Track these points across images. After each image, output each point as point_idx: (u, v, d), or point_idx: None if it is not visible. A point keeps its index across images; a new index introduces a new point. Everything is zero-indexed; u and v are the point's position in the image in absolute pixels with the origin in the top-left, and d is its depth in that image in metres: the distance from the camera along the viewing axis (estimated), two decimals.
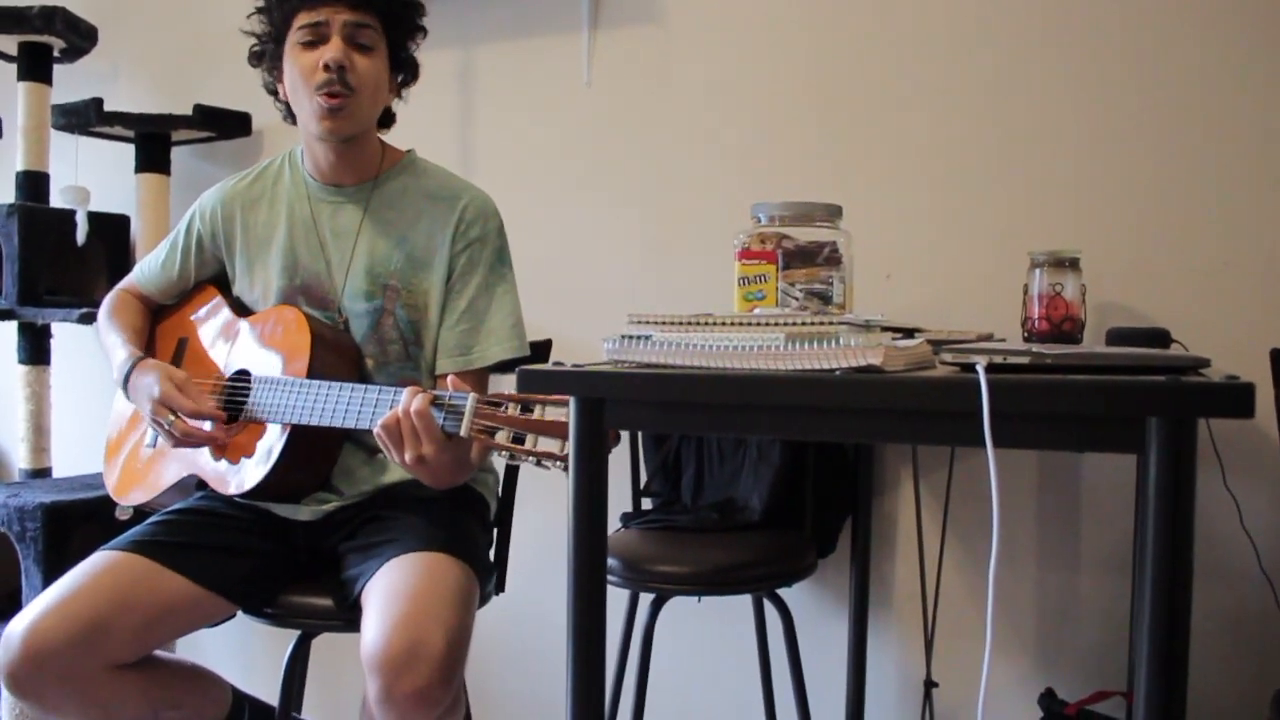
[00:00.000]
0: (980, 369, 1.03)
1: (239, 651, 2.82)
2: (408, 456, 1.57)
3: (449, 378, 1.62)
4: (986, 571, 2.21)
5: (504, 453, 1.52)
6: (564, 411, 1.43)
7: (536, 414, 1.50)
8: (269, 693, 1.98)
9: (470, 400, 1.55)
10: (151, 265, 2.02)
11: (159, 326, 2.05)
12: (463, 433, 1.54)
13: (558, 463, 1.48)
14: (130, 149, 2.92)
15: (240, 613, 1.77)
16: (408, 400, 1.57)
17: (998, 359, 1.13)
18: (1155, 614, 1.00)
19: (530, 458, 1.51)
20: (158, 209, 2.91)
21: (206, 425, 1.79)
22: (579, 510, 1.21)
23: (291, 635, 1.81)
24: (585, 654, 1.27)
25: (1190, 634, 1.05)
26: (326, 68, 1.73)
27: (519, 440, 1.52)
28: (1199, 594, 2.04)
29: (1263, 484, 1.86)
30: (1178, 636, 1.00)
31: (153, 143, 2.90)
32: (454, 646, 1.52)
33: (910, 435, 1.49)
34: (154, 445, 1.93)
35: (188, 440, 1.78)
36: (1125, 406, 1.01)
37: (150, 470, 1.93)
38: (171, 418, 1.76)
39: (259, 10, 1.85)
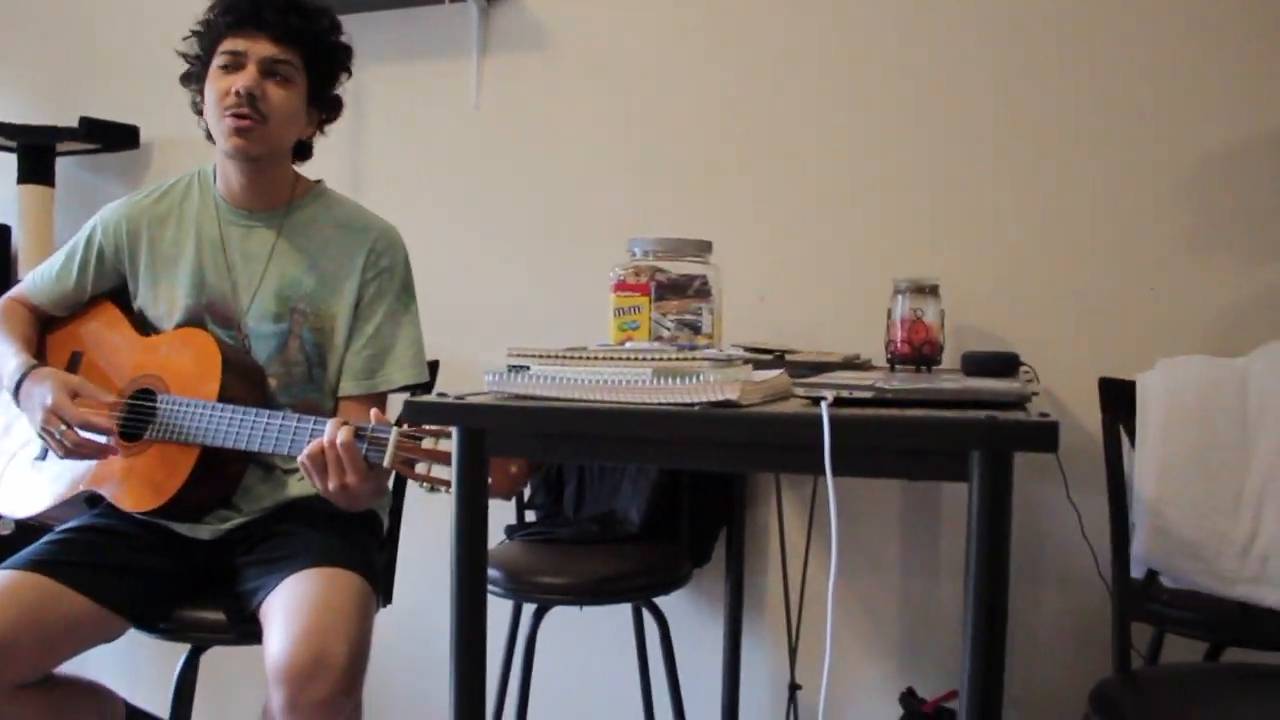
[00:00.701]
0: (824, 405, 1.14)
1: (124, 666, 2.83)
2: (331, 485, 1.65)
3: (373, 411, 1.70)
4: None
5: (419, 482, 1.63)
6: None
7: (444, 445, 1.60)
8: (156, 706, 2.01)
9: (394, 434, 1.63)
10: (45, 276, 2.02)
11: (49, 337, 2.05)
12: (385, 464, 1.63)
13: (447, 489, 1.57)
14: (12, 159, 2.89)
15: (132, 629, 1.80)
16: (333, 432, 1.64)
17: (844, 393, 1.24)
18: (976, 617, 1.12)
19: (427, 484, 1.62)
20: (40, 220, 2.89)
21: (100, 438, 1.81)
22: (460, 533, 1.29)
23: (180, 649, 1.85)
24: (467, 663, 1.34)
25: (1006, 636, 1.16)
26: (238, 94, 1.79)
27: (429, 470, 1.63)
28: (1043, 596, 2.23)
29: (1101, 496, 2.02)
30: (995, 637, 1.12)
31: (36, 153, 2.88)
32: (356, 657, 1.59)
33: (762, 465, 1.62)
34: (43, 458, 1.94)
35: (79, 451, 1.80)
36: (951, 441, 1.13)
37: (37, 483, 1.94)
38: (63, 427, 1.78)
39: (194, 33, 1.89)
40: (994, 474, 1.11)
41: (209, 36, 1.87)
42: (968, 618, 1.13)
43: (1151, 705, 1.46)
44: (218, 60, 1.84)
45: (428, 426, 1.61)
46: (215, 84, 1.83)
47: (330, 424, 1.67)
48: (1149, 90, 2.20)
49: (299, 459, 1.67)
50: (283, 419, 1.74)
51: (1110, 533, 1.65)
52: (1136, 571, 1.64)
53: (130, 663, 2.83)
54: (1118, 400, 1.66)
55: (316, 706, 1.54)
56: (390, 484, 2.05)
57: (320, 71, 1.90)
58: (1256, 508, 1.55)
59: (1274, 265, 2.13)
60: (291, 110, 1.86)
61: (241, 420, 1.76)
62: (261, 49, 1.82)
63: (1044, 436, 1.09)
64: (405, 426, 1.64)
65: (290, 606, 1.63)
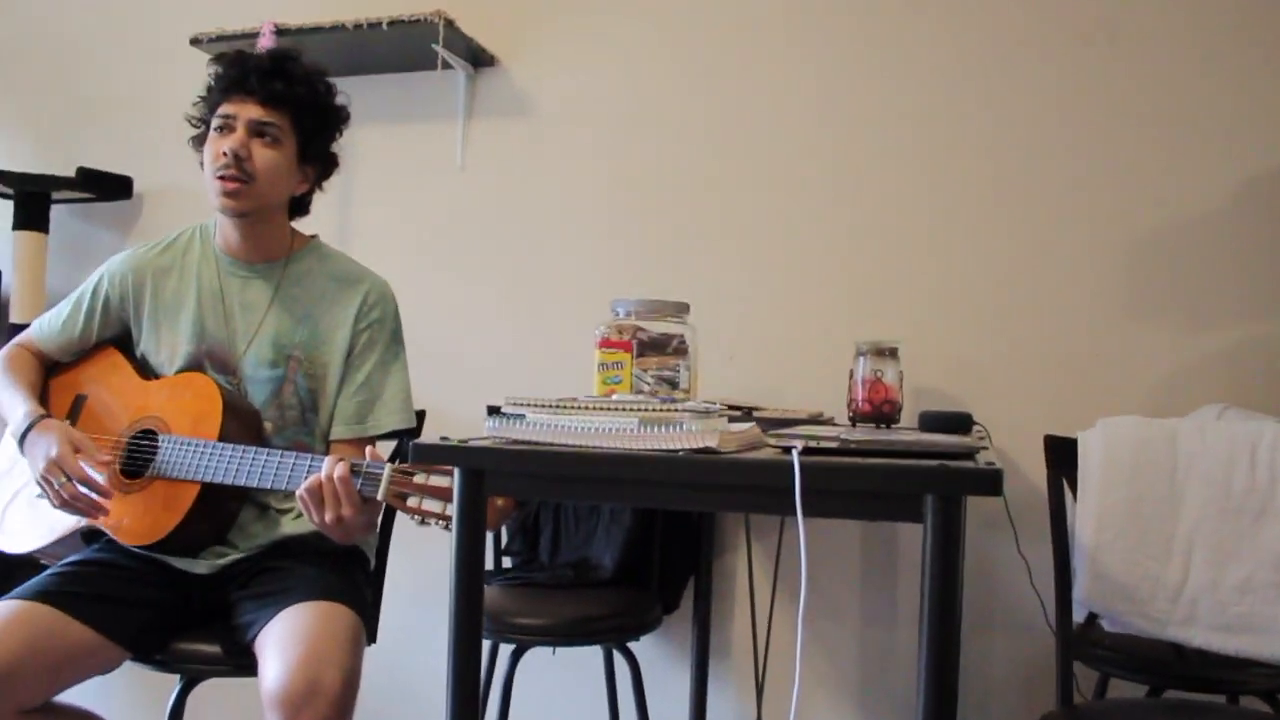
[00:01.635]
0: (795, 453, 1.27)
1: (110, 698, 2.87)
2: (328, 518, 1.76)
3: (367, 449, 1.81)
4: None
5: (412, 515, 1.73)
6: (448, 479, 1.64)
7: (434, 480, 1.71)
8: None
9: (387, 469, 1.74)
10: (52, 323, 2.12)
11: (52, 381, 2.14)
12: (380, 497, 1.74)
13: (440, 521, 1.70)
14: (9, 205, 2.98)
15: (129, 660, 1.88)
16: (330, 467, 1.75)
17: (812, 443, 1.37)
18: (931, 638, 1.24)
19: (419, 516, 1.72)
20: (34, 266, 2.96)
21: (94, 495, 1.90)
22: (460, 565, 1.40)
23: (164, 682, 1.91)
24: (462, 695, 1.44)
25: (959, 668, 1.25)
26: (225, 154, 1.92)
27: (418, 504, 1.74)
28: (995, 644, 2.36)
29: (1049, 548, 2.15)
30: (948, 664, 1.24)
31: (32, 201, 2.96)
32: (349, 685, 1.69)
33: (740, 506, 1.75)
34: (44, 496, 2.02)
35: (73, 504, 1.89)
36: (908, 485, 1.27)
37: (37, 520, 2.02)
38: (63, 479, 1.87)
39: (202, 99, 2.03)
40: (945, 515, 1.25)
41: (209, 102, 2.01)
42: (922, 649, 1.25)
43: None
44: (214, 123, 1.97)
45: (418, 465, 1.73)
46: (210, 145, 1.97)
47: (327, 460, 1.78)
48: (1093, 170, 2.37)
49: (298, 492, 1.77)
50: (280, 456, 1.85)
51: (1054, 578, 1.77)
52: (1078, 615, 1.77)
53: (116, 694, 2.88)
54: (1061, 456, 1.80)
55: None
56: (378, 525, 2.15)
57: (309, 131, 2.01)
58: (1186, 554, 1.69)
59: (1205, 335, 2.29)
60: (279, 169, 1.97)
61: (241, 458, 1.86)
62: (249, 112, 1.94)
63: (989, 482, 1.22)
64: (398, 463, 1.75)
65: (285, 637, 1.72)
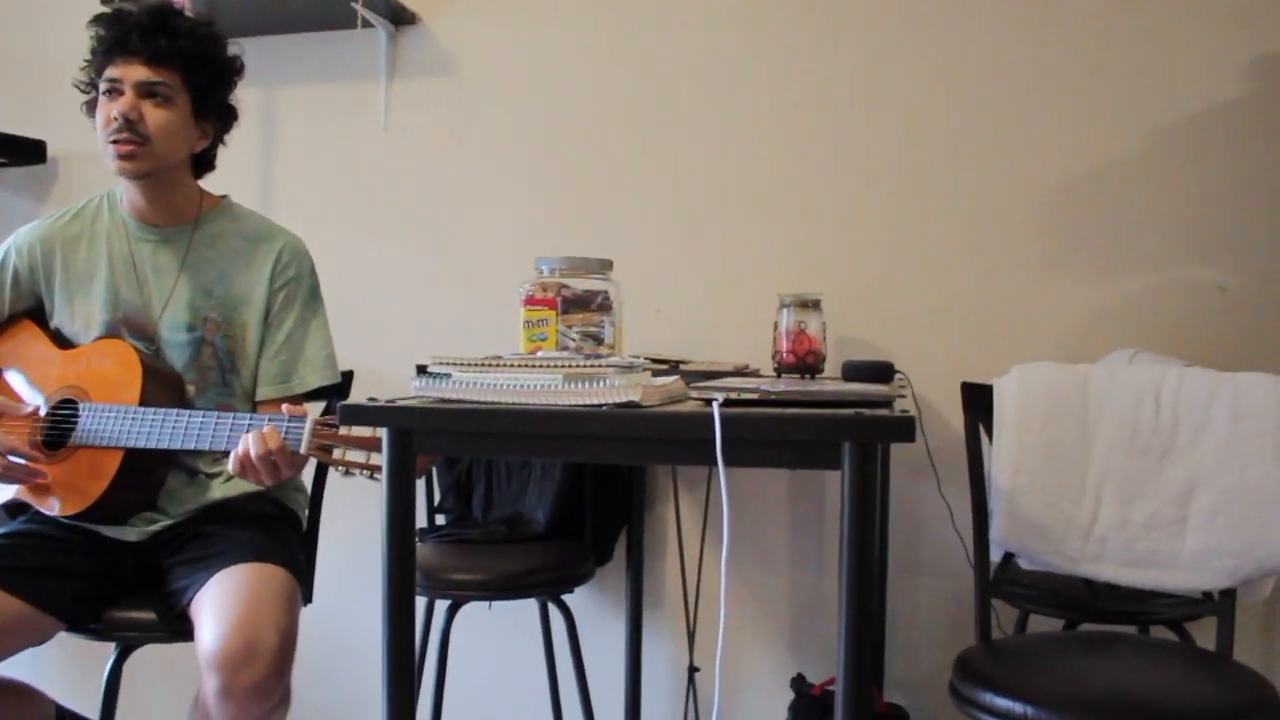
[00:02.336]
0: (716, 405, 1.31)
1: (52, 667, 2.86)
2: (267, 481, 1.77)
3: (283, 405, 1.81)
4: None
5: (336, 465, 1.75)
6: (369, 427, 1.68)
7: (356, 430, 1.71)
8: (81, 707, 2.08)
9: (309, 423, 1.75)
10: None
11: None
12: (303, 450, 1.75)
13: (364, 471, 1.73)
14: None
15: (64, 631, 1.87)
16: (258, 445, 1.74)
17: (733, 394, 1.41)
18: (850, 579, 1.29)
19: (343, 468, 1.75)
20: None
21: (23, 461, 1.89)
22: (392, 523, 1.42)
23: (99, 651, 1.91)
24: (398, 657, 1.46)
25: (887, 611, 1.28)
26: (115, 119, 1.89)
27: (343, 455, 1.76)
28: (921, 587, 2.43)
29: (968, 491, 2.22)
30: (866, 602, 1.29)
31: None
32: (286, 643, 1.71)
33: (663, 458, 1.80)
34: None
35: (6, 476, 1.88)
36: (826, 433, 1.31)
37: None
38: None
39: (87, 63, 1.98)
40: (862, 461, 1.29)
41: (94, 65, 1.96)
42: (842, 589, 1.30)
43: (1005, 665, 1.65)
44: (101, 88, 1.93)
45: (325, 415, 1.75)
46: (100, 110, 1.93)
47: (251, 436, 1.75)
48: (1006, 121, 2.42)
49: (230, 468, 1.77)
50: (203, 416, 1.84)
51: (972, 520, 1.83)
52: (995, 554, 1.83)
53: (49, 665, 2.87)
54: (978, 402, 1.85)
55: (248, 691, 1.64)
56: (309, 487, 2.15)
57: (201, 86, 1.97)
58: (1097, 495, 1.75)
59: (1116, 282, 2.36)
60: (172, 128, 1.93)
61: (164, 421, 1.85)
62: (135, 74, 1.90)
63: (903, 429, 1.27)
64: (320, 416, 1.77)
65: (220, 599, 1.73)
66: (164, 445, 1.85)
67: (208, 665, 1.65)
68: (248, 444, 1.74)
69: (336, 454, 1.74)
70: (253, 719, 1.68)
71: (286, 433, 1.75)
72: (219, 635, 1.66)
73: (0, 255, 2.06)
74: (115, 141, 1.89)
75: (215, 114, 2.03)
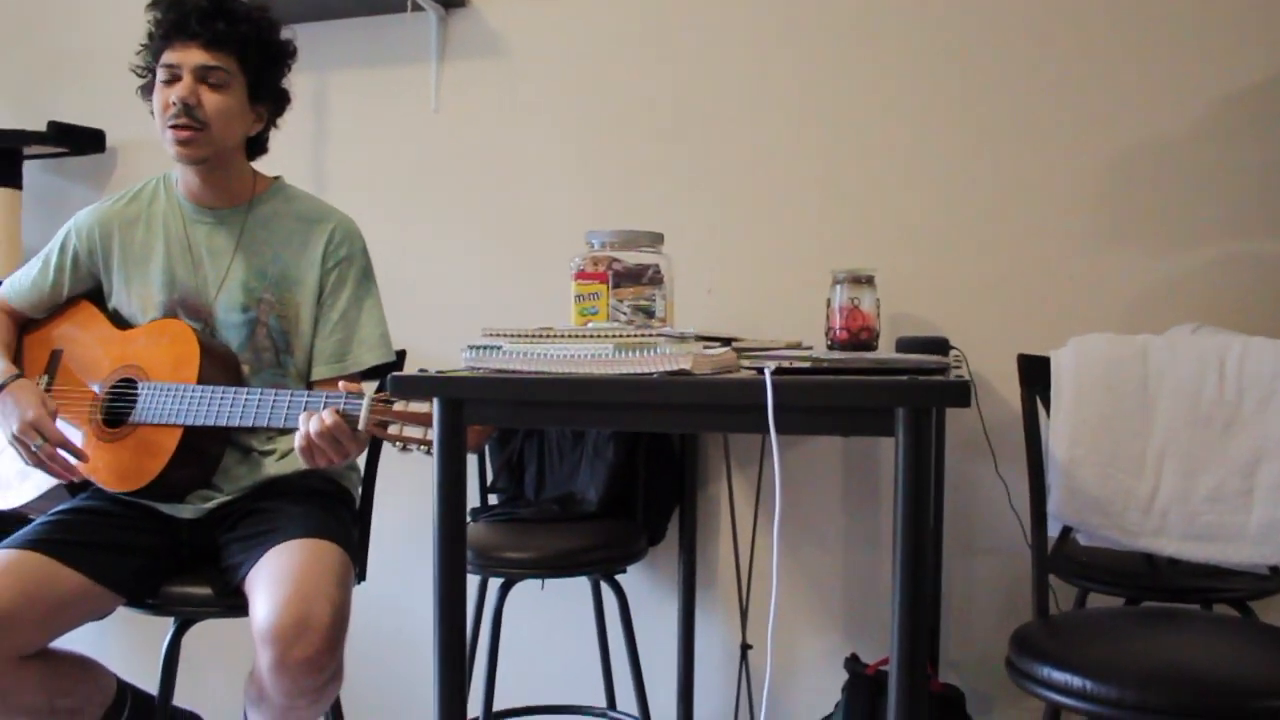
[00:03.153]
0: (767, 372, 1.29)
1: (113, 642, 2.91)
2: (337, 459, 1.77)
3: (341, 382, 1.82)
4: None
5: (394, 441, 1.75)
6: (427, 403, 1.68)
7: (413, 406, 1.73)
8: (142, 682, 2.11)
9: (367, 399, 1.76)
10: (22, 281, 2.12)
11: (28, 338, 2.15)
12: (361, 427, 1.75)
13: (422, 446, 1.72)
14: None
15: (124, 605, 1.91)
16: (323, 422, 1.74)
17: (785, 364, 1.39)
18: (905, 550, 1.27)
19: (400, 443, 1.74)
20: (8, 223, 2.95)
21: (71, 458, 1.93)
22: (443, 493, 1.42)
23: (166, 625, 1.93)
24: (449, 628, 1.47)
25: (942, 592, 1.25)
26: (174, 104, 1.91)
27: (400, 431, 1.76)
28: (977, 566, 2.41)
29: (1025, 469, 2.18)
30: (921, 572, 1.27)
31: (4, 157, 2.94)
32: (338, 618, 1.72)
33: (714, 425, 1.78)
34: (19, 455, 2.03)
35: (50, 465, 1.92)
36: (879, 398, 1.29)
37: (22, 475, 2.04)
38: (40, 441, 1.90)
39: (144, 47, 2.00)
40: (917, 427, 1.27)
41: (151, 50, 1.98)
42: (896, 563, 1.28)
43: (1063, 639, 1.62)
44: (159, 74, 1.95)
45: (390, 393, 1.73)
46: (157, 96, 1.95)
47: (309, 417, 1.76)
48: (1066, 91, 2.37)
49: (297, 454, 1.79)
50: (261, 394, 1.86)
51: (1029, 495, 1.80)
52: (1053, 530, 1.80)
53: (111, 639, 2.91)
54: (1035, 374, 1.82)
55: (302, 664, 1.66)
56: (362, 465, 2.17)
57: (257, 70, 1.99)
58: (1157, 468, 1.72)
59: (1176, 256, 2.31)
60: (230, 113, 1.96)
61: (223, 399, 1.87)
62: (194, 58, 1.92)
63: (958, 394, 1.25)
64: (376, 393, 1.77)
65: (275, 575, 1.75)
66: (221, 423, 1.87)
67: (262, 639, 1.67)
68: (308, 425, 1.75)
69: (394, 429, 1.74)
70: (306, 692, 1.69)
71: (345, 410, 1.76)
72: (273, 610, 1.67)
73: (61, 238, 2.10)
74: (174, 127, 1.92)
75: (270, 98, 2.05)
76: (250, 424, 1.86)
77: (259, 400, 1.86)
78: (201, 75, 1.92)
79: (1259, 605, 2.04)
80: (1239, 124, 2.28)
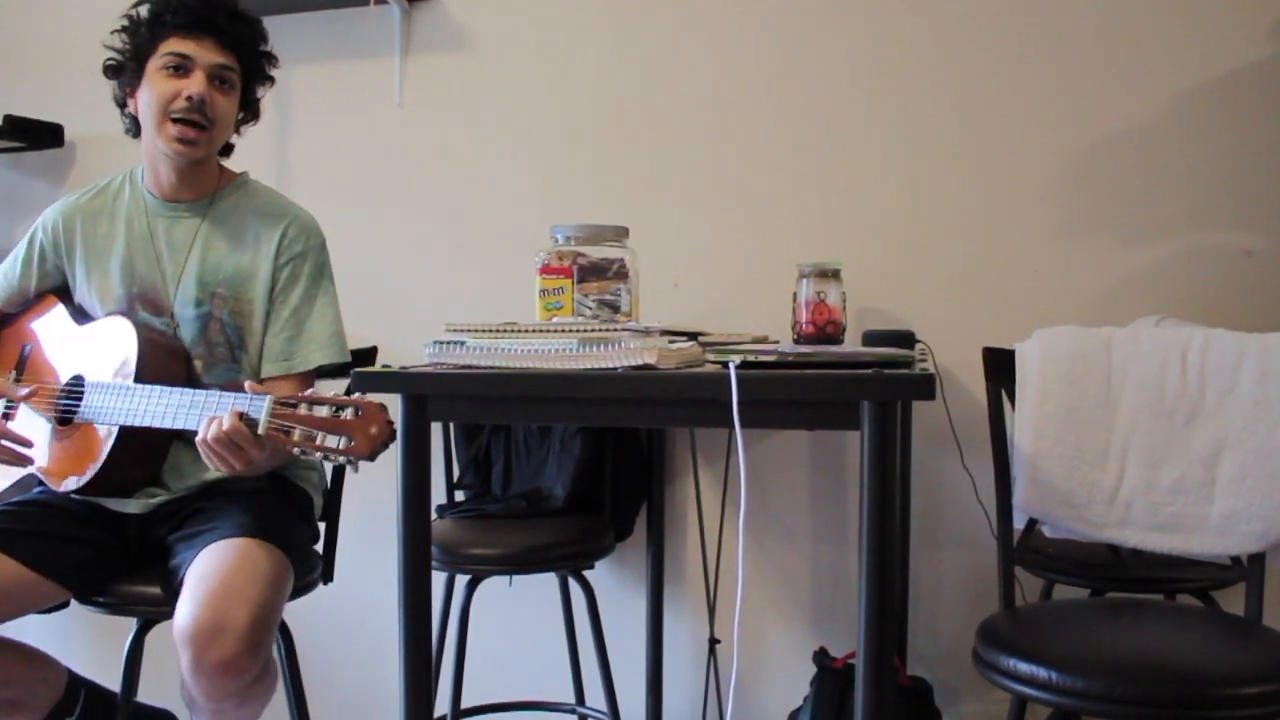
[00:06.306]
0: (732, 366, 1.29)
1: (73, 641, 2.87)
2: (238, 465, 1.69)
3: (247, 382, 1.73)
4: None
5: (301, 449, 1.61)
6: (326, 408, 1.58)
7: (316, 411, 1.60)
8: (107, 681, 2.08)
9: (267, 401, 1.65)
10: None
11: (3, 332, 2.13)
12: (260, 431, 1.63)
13: (341, 457, 1.57)
14: None
15: (76, 603, 1.88)
16: (221, 425, 1.65)
17: (750, 357, 1.39)
18: (870, 544, 1.27)
19: (319, 453, 1.60)
20: None
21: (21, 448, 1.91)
22: (407, 488, 1.41)
23: (129, 625, 1.91)
24: (415, 625, 1.46)
25: (910, 583, 1.26)
26: (189, 99, 1.87)
27: (310, 438, 1.61)
28: (944, 558, 2.41)
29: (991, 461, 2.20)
30: (887, 564, 1.27)
31: None
32: (259, 621, 1.66)
33: (679, 420, 1.78)
34: None
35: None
36: (844, 392, 1.29)
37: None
38: None
39: (124, 28, 1.94)
40: (882, 421, 1.27)
41: (150, 34, 1.91)
42: (863, 556, 1.28)
43: (1028, 631, 1.63)
44: (161, 60, 1.89)
45: (306, 394, 1.64)
46: (159, 85, 1.89)
47: (203, 421, 1.69)
48: (1028, 86, 2.38)
49: (201, 452, 1.71)
50: (194, 395, 1.77)
51: (995, 487, 1.81)
52: (1018, 521, 1.81)
53: (73, 639, 2.88)
54: (999, 367, 1.82)
55: (218, 666, 1.62)
56: (329, 471, 2.14)
57: (255, 77, 2.00)
58: (1121, 459, 1.73)
59: (1140, 249, 2.33)
60: (231, 116, 1.97)
61: (158, 399, 1.81)
62: (210, 55, 1.89)
63: (923, 387, 1.25)
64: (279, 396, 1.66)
65: (198, 575, 1.71)
66: (154, 424, 1.80)
67: (179, 641, 1.63)
68: (207, 430, 1.67)
69: (300, 435, 1.60)
70: (229, 695, 1.66)
71: (246, 413, 1.66)
72: (189, 612, 1.64)
73: (30, 232, 2.09)
74: (181, 121, 1.88)
75: (251, 107, 2.05)
76: (182, 426, 1.77)
77: (180, 401, 1.78)
78: (216, 74, 1.90)
79: (1221, 595, 2.06)
80: (1203, 118, 2.30)
